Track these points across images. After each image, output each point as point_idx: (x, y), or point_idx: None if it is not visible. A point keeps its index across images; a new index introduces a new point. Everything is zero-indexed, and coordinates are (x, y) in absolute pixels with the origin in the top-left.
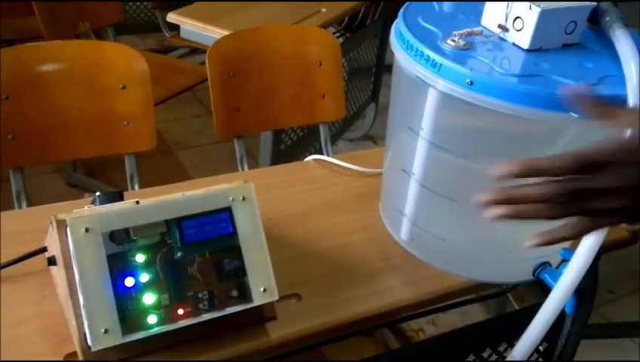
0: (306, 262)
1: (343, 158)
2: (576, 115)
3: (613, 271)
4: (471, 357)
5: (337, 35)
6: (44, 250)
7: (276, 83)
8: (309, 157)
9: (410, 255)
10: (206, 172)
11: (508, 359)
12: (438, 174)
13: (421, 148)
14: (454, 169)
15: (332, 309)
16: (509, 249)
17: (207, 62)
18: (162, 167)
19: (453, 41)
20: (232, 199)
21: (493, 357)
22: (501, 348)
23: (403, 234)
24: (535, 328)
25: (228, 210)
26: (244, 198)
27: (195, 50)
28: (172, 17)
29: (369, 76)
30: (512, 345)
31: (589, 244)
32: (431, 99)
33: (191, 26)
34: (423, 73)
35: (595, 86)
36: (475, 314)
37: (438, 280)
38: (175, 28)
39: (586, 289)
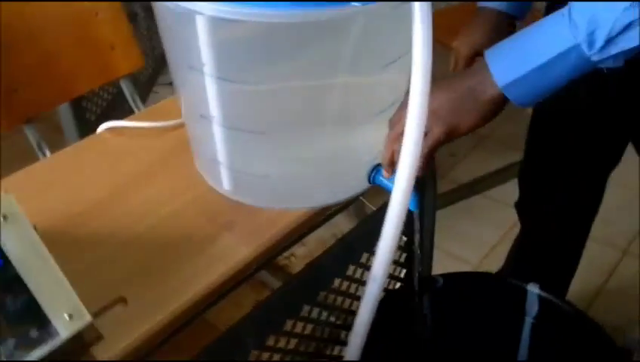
0: (125, 254)
1: (139, 117)
2: (358, 4)
3: None
4: (336, 282)
5: None
6: None
7: (54, 47)
8: (100, 128)
9: (240, 204)
10: None
11: (372, 271)
12: (239, 110)
13: (211, 86)
14: (253, 99)
15: (168, 299)
16: (334, 166)
17: None
18: None
19: None
20: None
21: (358, 272)
22: (363, 259)
23: (225, 184)
24: (386, 240)
25: None
26: (5, 217)
27: None
28: None
29: None
30: (372, 253)
31: (413, 133)
32: (202, 28)
33: None
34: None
35: None
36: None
37: (277, 220)
38: None
39: (423, 180)
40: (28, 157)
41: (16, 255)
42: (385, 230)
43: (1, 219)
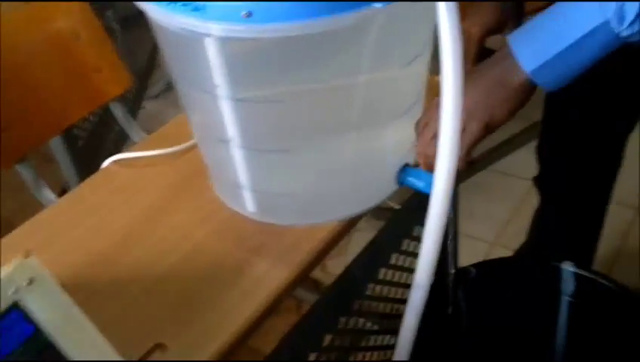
0: (153, 297)
1: (146, 145)
2: (379, 5)
3: None
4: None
5: None
6: None
7: (40, 80)
8: (107, 162)
9: (266, 225)
10: None
11: (415, 279)
12: (259, 130)
13: (226, 108)
14: (273, 117)
15: (207, 339)
16: (360, 173)
17: None
18: None
19: None
20: (16, 290)
21: (389, 274)
22: (392, 261)
23: (249, 206)
24: (429, 247)
25: (15, 307)
26: (31, 281)
27: None
28: None
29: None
30: (401, 252)
31: (449, 135)
32: (212, 50)
33: None
34: (189, 22)
35: None
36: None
37: (306, 238)
38: None
39: None
40: (22, 190)
41: (47, 319)
42: (426, 237)
43: (27, 283)
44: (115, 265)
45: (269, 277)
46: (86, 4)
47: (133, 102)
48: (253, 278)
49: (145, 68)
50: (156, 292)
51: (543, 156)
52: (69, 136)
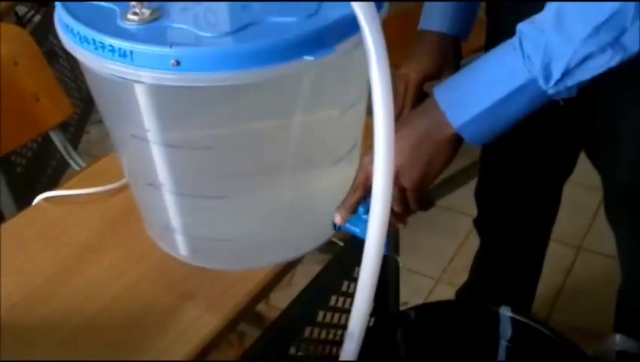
0: (80, 340)
1: (79, 182)
2: (310, 57)
3: None
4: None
5: (31, 14)
6: None
7: None
8: (37, 199)
9: (199, 269)
10: None
11: (348, 328)
12: (191, 175)
13: (157, 153)
14: (207, 164)
15: None
16: (297, 219)
17: None
18: None
19: (135, 14)
20: None
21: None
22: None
23: (182, 250)
24: (363, 292)
25: None
26: None
27: None
28: None
29: None
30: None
31: (382, 187)
32: (142, 96)
33: None
34: (117, 69)
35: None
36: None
37: (243, 283)
38: None
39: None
40: None
41: None
42: (360, 284)
43: None
44: (41, 307)
45: (200, 323)
46: (24, 30)
47: (76, 127)
48: (184, 325)
49: (89, 93)
50: (81, 337)
51: (481, 199)
52: (6, 163)
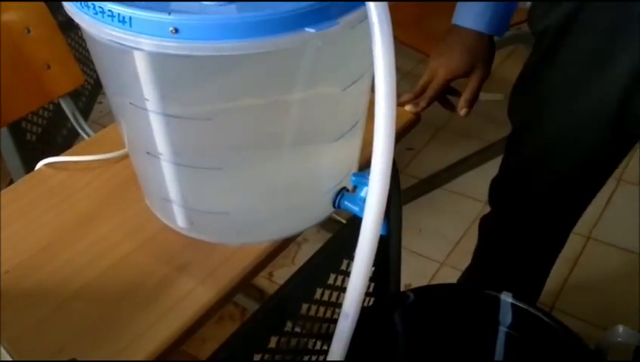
0: (74, 308)
1: (82, 149)
2: (313, 30)
3: None
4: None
5: None
6: None
7: None
8: (39, 164)
9: (196, 242)
10: None
11: (343, 307)
12: (189, 146)
13: (156, 123)
14: (205, 134)
15: (120, 358)
16: (296, 194)
17: None
18: None
19: None
20: None
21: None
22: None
23: (180, 221)
24: (358, 275)
25: None
26: None
27: None
28: None
29: None
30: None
31: (380, 166)
32: (141, 64)
33: None
34: (116, 35)
35: None
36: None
37: (240, 257)
38: None
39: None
40: None
41: None
42: (356, 264)
43: None
44: (37, 272)
45: (194, 296)
46: None
47: (88, 97)
48: (177, 296)
49: None
50: (75, 303)
51: (500, 192)
52: (17, 130)
